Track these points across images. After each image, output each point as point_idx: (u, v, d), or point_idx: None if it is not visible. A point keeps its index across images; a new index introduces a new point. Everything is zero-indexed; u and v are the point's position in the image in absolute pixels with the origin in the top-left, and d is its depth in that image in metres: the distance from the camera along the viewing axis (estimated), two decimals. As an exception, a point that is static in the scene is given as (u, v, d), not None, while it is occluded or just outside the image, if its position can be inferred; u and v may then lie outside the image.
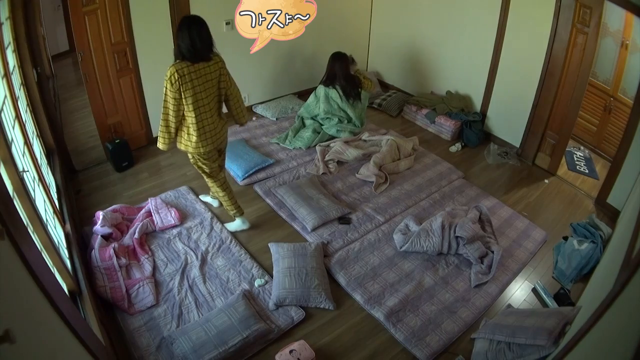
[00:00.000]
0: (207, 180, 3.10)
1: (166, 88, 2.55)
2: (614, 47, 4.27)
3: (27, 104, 3.05)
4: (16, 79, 2.79)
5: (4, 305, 1.06)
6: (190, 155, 2.97)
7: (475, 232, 3.14)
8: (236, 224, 3.31)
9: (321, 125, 4.57)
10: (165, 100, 2.61)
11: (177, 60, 2.57)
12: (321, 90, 4.42)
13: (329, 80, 4.38)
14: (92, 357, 1.68)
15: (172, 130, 2.73)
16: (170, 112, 2.65)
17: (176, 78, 2.50)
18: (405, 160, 4.18)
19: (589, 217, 3.55)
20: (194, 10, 4.09)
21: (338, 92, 4.35)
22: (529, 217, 3.67)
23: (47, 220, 2.31)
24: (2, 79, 2.37)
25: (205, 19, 4.11)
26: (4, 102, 2.26)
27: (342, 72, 4.29)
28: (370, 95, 5.43)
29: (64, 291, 1.98)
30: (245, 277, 2.94)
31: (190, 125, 2.72)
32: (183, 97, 2.58)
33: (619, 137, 3.83)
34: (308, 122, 4.62)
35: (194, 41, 2.51)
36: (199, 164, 2.98)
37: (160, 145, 2.82)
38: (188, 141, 2.80)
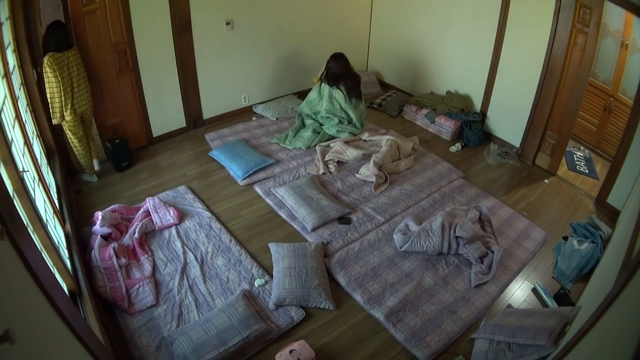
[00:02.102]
0: (70, 137, 3.59)
1: (47, 73, 3.17)
2: (614, 47, 4.27)
3: (27, 104, 3.05)
4: (16, 79, 2.79)
5: (4, 305, 1.06)
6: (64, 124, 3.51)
7: (475, 232, 3.14)
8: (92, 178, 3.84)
9: (321, 125, 4.57)
10: (49, 83, 3.21)
11: (49, 52, 3.20)
12: (325, 89, 4.43)
13: (332, 81, 4.39)
14: (92, 357, 1.68)
15: (58, 106, 3.32)
16: (55, 91, 3.25)
17: (52, 62, 3.15)
18: (405, 160, 4.18)
19: (589, 217, 3.55)
20: (194, 11, 4.09)
21: (342, 92, 4.36)
22: (529, 217, 3.67)
23: (47, 220, 2.31)
24: (2, 79, 2.37)
25: (206, 19, 4.21)
26: (4, 102, 2.26)
27: (345, 71, 4.34)
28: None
29: (64, 291, 1.98)
30: (245, 277, 2.95)
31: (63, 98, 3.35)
32: (58, 75, 3.21)
33: (619, 137, 3.83)
34: (308, 122, 4.63)
35: (55, 37, 3.22)
36: (68, 128, 3.51)
37: (54, 121, 3.38)
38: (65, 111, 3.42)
